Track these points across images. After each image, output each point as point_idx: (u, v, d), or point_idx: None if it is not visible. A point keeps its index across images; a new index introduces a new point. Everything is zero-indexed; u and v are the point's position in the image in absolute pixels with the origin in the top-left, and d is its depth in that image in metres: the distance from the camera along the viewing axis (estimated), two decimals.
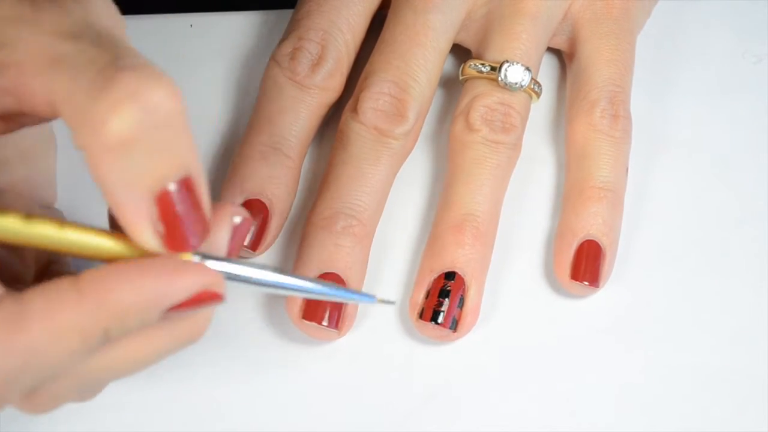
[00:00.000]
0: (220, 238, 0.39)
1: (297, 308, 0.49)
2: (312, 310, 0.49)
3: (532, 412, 0.49)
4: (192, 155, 0.37)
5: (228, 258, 0.39)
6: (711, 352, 0.50)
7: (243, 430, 0.49)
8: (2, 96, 0.38)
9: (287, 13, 0.54)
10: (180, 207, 0.37)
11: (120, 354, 0.39)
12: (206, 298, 0.38)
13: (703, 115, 0.55)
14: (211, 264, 0.39)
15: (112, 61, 0.36)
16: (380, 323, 0.51)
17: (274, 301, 0.51)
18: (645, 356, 0.50)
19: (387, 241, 0.52)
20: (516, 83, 0.51)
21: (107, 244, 0.38)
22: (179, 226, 0.37)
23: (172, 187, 0.37)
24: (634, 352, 0.50)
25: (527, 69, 0.51)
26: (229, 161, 0.53)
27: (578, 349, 0.50)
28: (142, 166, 0.36)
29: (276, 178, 0.50)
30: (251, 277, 0.40)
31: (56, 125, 0.47)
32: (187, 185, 0.37)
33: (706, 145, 0.54)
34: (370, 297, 0.43)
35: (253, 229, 0.50)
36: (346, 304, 0.49)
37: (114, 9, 0.39)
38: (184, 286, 0.37)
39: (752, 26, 0.56)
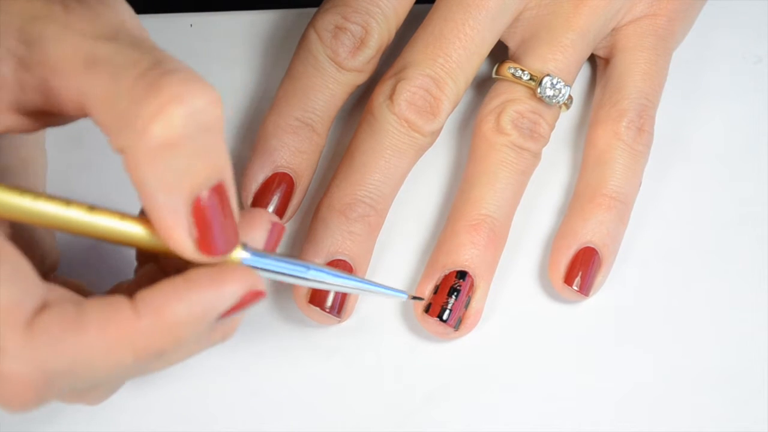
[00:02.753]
0: (256, 238, 0.41)
1: (304, 292, 0.49)
2: (318, 296, 0.49)
3: (532, 412, 0.50)
4: (226, 162, 0.38)
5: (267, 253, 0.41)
6: (711, 352, 0.51)
7: (242, 430, 0.49)
8: (29, 93, 0.38)
9: (288, 13, 0.54)
10: (212, 212, 0.38)
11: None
12: (251, 298, 0.39)
13: (703, 115, 0.55)
14: (255, 260, 0.40)
15: (155, 63, 0.37)
16: (379, 324, 0.51)
17: (273, 301, 0.51)
18: (645, 356, 0.51)
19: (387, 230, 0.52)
20: (553, 98, 0.51)
21: (138, 231, 0.39)
22: (211, 232, 0.38)
23: (205, 193, 0.37)
24: (633, 353, 0.51)
25: (567, 86, 0.51)
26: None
27: (578, 349, 0.51)
28: (183, 169, 0.37)
29: (305, 153, 0.51)
30: (288, 273, 0.42)
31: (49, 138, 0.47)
32: (219, 191, 0.38)
33: (706, 145, 0.55)
34: (402, 293, 0.46)
35: (275, 201, 0.51)
36: (350, 294, 0.50)
37: (135, 15, 0.40)
38: (232, 291, 0.38)
39: (752, 26, 0.57)
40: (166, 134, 0.36)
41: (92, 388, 0.40)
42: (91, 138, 0.51)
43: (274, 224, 0.42)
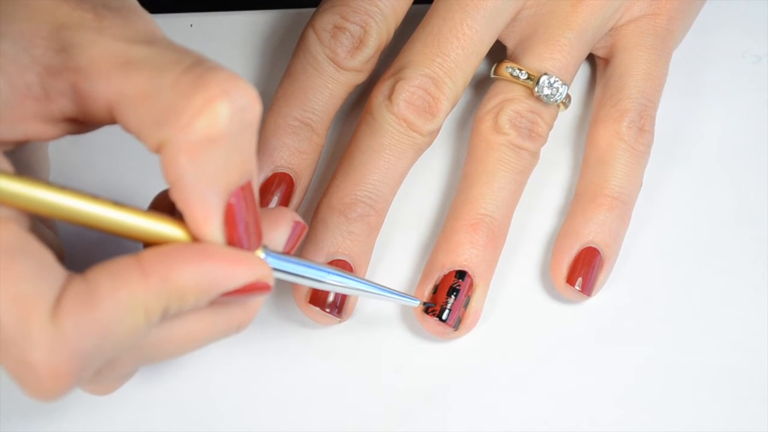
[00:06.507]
0: (279, 236, 0.41)
1: (304, 292, 0.49)
2: (318, 296, 0.49)
3: (532, 412, 0.50)
4: (255, 162, 0.39)
5: (286, 255, 0.42)
6: (711, 352, 0.51)
7: (242, 430, 0.49)
8: (57, 100, 0.39)
9: (288, 13, 0.54)
10: (242, 209, 0.39)
11: (174, 335, 0.40)
12: (257, 288, 0.40)
13: (703, 114, 0.55)
14: (275, 262, 0.41)
15: (197, 61, 0.37)
16: (379, 323, 0.51)
17: (273, 300, 0.51)
18: (645, 356, 0.51)
19: (387, 230, 0.52)
20: (551, 96, 0.51)
21: (165, 228, 0.39)
22: (238, 229, 0.39)
23: (238, 190, 0.38)
24: (633, 352, 0.51)
25: (564, 84, 0.51)
26: None
27: (578, 348, 0.51)
28: (222, 165, 0.37)
29: (304, 153, 0.51)
30: (307, 276, 0.43)
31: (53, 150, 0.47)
32: (248, 189, 0.39)
33: (705, 144, 0.55)
34: (414, 299, 0.48)
35: (275, 201, 0.51)
36: (350, 295, 0.50)
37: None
38: (243, 274, 0.39)
39: (752, 26, 0.57)
40: (211, 128, 0.37)
41: (111, 367, 0.40)
42: (92, 139, 0.51)
43: (296, 223, 0.42)
